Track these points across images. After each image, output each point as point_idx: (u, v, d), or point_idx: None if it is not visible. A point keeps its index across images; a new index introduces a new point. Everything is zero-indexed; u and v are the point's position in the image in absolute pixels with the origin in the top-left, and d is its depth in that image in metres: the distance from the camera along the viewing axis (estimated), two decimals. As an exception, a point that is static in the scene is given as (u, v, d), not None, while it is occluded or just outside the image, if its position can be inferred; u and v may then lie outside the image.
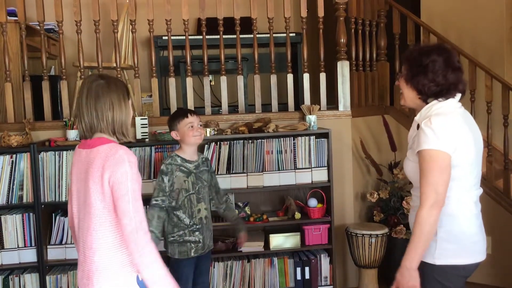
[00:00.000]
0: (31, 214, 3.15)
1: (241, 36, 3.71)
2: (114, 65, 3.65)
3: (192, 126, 2.69)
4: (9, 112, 3.47)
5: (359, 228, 3.54)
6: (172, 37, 3.65)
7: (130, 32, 3.68)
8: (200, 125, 2.75)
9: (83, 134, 1.89)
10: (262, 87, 3.80)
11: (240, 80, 3.74)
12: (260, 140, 3.40)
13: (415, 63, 1.99)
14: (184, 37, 3.65)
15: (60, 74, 3.62)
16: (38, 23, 3.51)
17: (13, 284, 3.17)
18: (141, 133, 3.35)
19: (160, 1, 3.57)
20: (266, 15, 3.67)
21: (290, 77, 3.75)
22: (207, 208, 2.78)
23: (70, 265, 3.24)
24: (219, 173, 3.31)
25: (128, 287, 1.85)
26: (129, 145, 1.90)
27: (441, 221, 1.95)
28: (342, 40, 3.76)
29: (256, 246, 3.41)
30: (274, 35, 3.72)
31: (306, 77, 3.80)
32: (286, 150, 3.42)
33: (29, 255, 3.16)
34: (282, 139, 3.41)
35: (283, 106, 3.87)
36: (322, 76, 3.78)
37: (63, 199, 3.17)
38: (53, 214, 3.22)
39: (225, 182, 3.31)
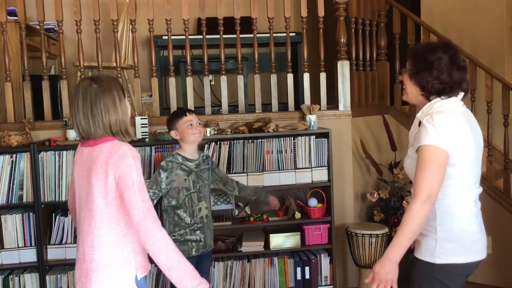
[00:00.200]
0: (31, 214, 3.15)
1: (241, 35, 3.71)
2: (114, 64, 3.65)
3: (191, 124, 2.70)
4: (9, 112, 3.47)
5: (359, 228, 3.54)
6: (172, 37, 3.65)
7: (130, 31, 3.68)
8: (199, 124, 2.76)
9: (81, 137, 1.89)
10: (262, 86, 3.80)
11: (240, 79, 3.74)
12: (260, 140, 3.39)
13: (420, 59, 1.98)
14: (184, 37, 3.65)
15: (60, 73, 3.62)
16: (38, 22, 3.51)
17: (13, 284, 3.17)
18: (141, 132, 3.35)
19: (160, 0, 3.56)
20: (266, 14, 3.67)
21: (290, 77, 3.75)
22: (208, 207, 2.79)
23: (70, 265, 3.24)
24: (219, 173, 3.31)
25: (127, 286, 1.85)
26: (131, 143, 1.91)
27: (441, 220, 1.95)
28: (342, 40, 3.76)
29: (256, 246, 3.41)
30: (274, 34, 3.72)
31: (306, 76, 3.79)
32: (286, 150, 3.41)
33: (29, 255, 3.15)
34: (282, 139, 3.41)
35: (283, 106, 3.87)
36: (322, 76, 3.77)
37: (63, 199, 3.17)
38: (53, 214, 3.22)
39: (225, 181, 3.31)
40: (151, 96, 3.84)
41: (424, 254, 1.98)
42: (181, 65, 4.14)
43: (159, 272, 3.33)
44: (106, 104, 1.84)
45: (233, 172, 3.35)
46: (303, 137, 3.43)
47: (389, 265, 1.89)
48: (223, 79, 3.69)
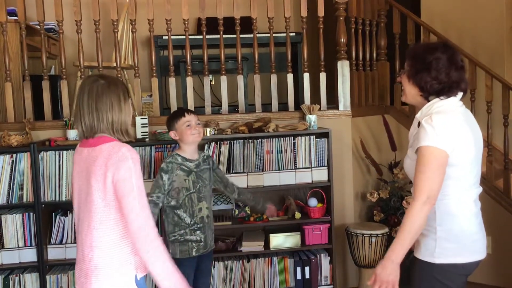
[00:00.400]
0: (31, 213, 3.15)
1: (241, 35, 3.71)
2: (114, 64, 3.65)
3: (189, 125, 2.70)
4: (9, 112, 3.48)
5: (359, 227, 3.54)
6: (172, 37, 3.66)
7: (130, 31, 3.68)
8: (199, 124, 2.75)
9: (83, 134, 1.89)
10: (262, 86, 3.80)
11: (240, 79, 3.74)
12: (260, 139, 3.40)
13: (418, 60, 1.98)
14: (184, 37, 3.65)
15: (60, 73, 3.62)
16: (38, 22, 3.51)
17: (13, 283, 3.17)
18: (141, 132, 3.35)
19: (160, 0, 3.57)
20: (266, 14, 3.67)
21: (290, 77, 3.75)
22: (209, 207, 2.78)
23: (70, 265, 3.24)
24: (219, 172, 3.32)
25: (127, 286, 1.85)
26: (129, 144, 1.91)
27: (441, 220, 1.95)
28: (342, 40, 3.76)
29: (256, 245, 3.41)
30: (274, 34, 3.72)
31: (306, 76, 3.80)
32: (286, 149, 3.42)
33: (29, 255, 3.16)
34: (282, 138, 3.41)
35: (283, 106, 3.87)
36: (322, 76, 3.78)
37: (63, 199, 3.17)
38: (53, 214, 3.22)
39: (225, 181, 3.31)
40: (151, 96, 3.84)
41: (424, 254, 1.98)
42: (181, 65, 4.14)
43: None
44: (112, 101, 1.85)
45: (233, 172, 3.36)
46: (303, 137, 3.43)
47: (391, 266, 1.89)
48: (223, 79, 3.69)
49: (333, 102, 3.85)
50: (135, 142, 3.24)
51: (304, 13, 3.72)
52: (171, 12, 3.58)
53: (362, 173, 3.97)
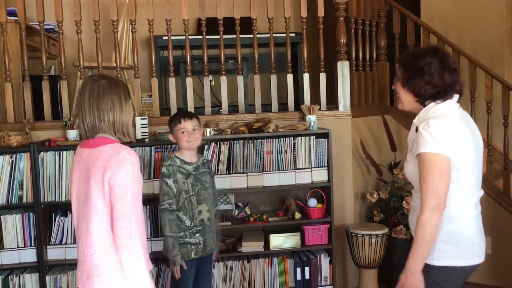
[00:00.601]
0: (31, 214, 3.15)
1: (241, 36, 3.71)
2: (114, 65, 3.65)
3: (184, 132, 2.68)
4: (9, 112, 3.47)
5: (359, 228, 3.54)
6: (172, 37, 3.65)
7: (130, 32, 3.68)
8: (196, 129, 2.72)
9: (84, 134, 1.89)
10: (262, 87, 3.80)
11: (240, 80, 3.74)
12: (260, 140, 3.39)
13: (410, 66, 2.00)
14: (184, 37, 3.65)
15: (60, 74, 3.62)
16: (38, 23, 3.51)
17: (13, 284, 3.17)
18: (141, 133, 3.35)
19: (160, 1, 3.56)
20: (266, 15, 3.67)
21: (290, 77, 3.75)
22: (210, 210, 2.77)
23: (70, 265, 3.24)
24: (219, 173, 3.31)
25: (128, 286, 1.85)
26: (129, 145, 1.91)
27: (441, 222, 1.95)
28: (342, 40, 3.76)
29: (256, 246, 3.41)
30: (274, 35, 3.72)
31: (306, 77, 3.79)
32: (286, 150, 3.41)
33: (29, 255, 3.15)
34: (282, 139, 3.41)
35: (283, 106, 3.87)
36: (322, 76, 3.77)
37: (63, 199, 3.17)
38: (53, 214, 3.22)
39: (225, 182, 3.31)
40: (151, 96, 3.84)
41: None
42: (181, 65, 4.14)
43: (159, 272, 3.33)
44: (113, 100, 1.86)
45: (233, 172, 3.35)
46: (303, 137, 3.43)
47: (412, 276, 1.92)
48: (223, 80, 3.69)
49: (333, 102, 3.85)
50: (135, 143, 3.23)
51: (304, 13, 3.72)
52: (171, 12, 3.58)
53: (362, 173, 3.97)
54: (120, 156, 1.78)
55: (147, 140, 3.35)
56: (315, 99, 3.79)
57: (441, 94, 1.97)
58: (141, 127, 3.36)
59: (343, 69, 3.78)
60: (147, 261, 1.93)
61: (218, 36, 3.68)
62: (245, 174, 3.37)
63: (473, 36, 4.52)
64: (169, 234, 2.63)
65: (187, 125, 2.70)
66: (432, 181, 1.88)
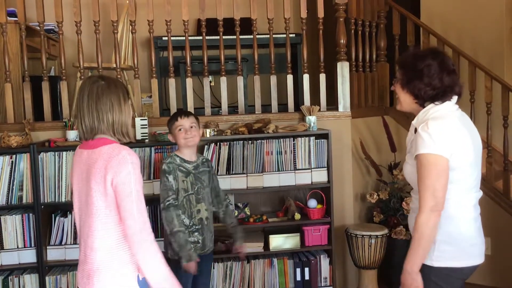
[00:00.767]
0: (30, 214, 3.15)
1: (241, 36, 3.71)
2: (114, 65, 3.66)
3: (181, 129, 2.70)
4: (9, 113, 3.48)
5: (358, 229, 3.54)
6: (172, 38, 3.65)
7: (130, 32, 3.68)
8: (193, 126, 2.73)
9: (83, 135, 1.89)
10: (262, 88, 3.80)
11: (240, 80, 3.74)
12: (260, 140, 3.40)
13: (410, 68, 2.01)
14: (184, 38, 3.65)
15: (60, 74, 3.62)
16: (38, 23, 3.51)
17: (12, 284, 3.16)
18: (141, 133, 3.35)
19: (160, 1, 3.57)
20: (266, 15, 3.67)
21: (290, 78, 3.75)
22: (208, 209, 2.78)
23: (69, 266, 3.24)
24: (218, 173, 3.31)
25: (129, 286, 1.85)
26: (129, 145, 1.91)
27: (440, 223, 1.95)
28: (342, 41, 3.76)
29: (256, 246, 3.41)
30: (274, 36, 3.72)
31: (306, 78, 3.80)
32: (286, 151, 3.42)
33: (29, 256, 3.15)
34: (282, 139, 3.41)
35: (283, 107, 3.87)
36: (322, 77, 3.78)
37: (63, 200, 3.17)
38: (53, 215, 3.22)
39: (225, 182, 3.31)
40: (151, 97, 3.84)
41: (422, 257, 1.99)
42: (181, 66, 4.14)
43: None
44: (112, 101, 1.85)
45: (233, 173, 3.36)
46: (302, 138, 3.43)
47: (409, 276, 1.93)
48: (223, 80, 3.69)
49: (332, 103, 3.85)
50: (134, 143, 3.24)
51: (304, 14, 3.72)
52: (171, 13, 3.58)
53: (362, 174, 3.97)
54: (120, 157, 1.78)
55: (147, 140, 3.35)
56: (315, 100, 3.79)
57: (440, 95, 1.97)
58: (141, 127, 3.36)
59: (343, 70, 3.79)
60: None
61: (218, 37, 3.68)
62: (245, 175, 3.38)
63: (473, 37, 4.52)
64: (179, 229, 2.59)
65: (184, 122, 2.72)
66: (430, 182, 1.88)
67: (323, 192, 3.48)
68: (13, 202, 3.14)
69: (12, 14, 3.74)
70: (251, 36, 3.73)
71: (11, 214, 3.16)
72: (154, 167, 3.26)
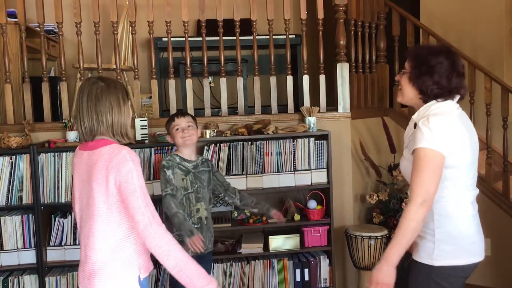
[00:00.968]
0: (30, 215, 3.15)
1: (241, 37, 3.71)
2: (114, 66, 3.66)
3: (178, 129, 2.73)
4: (9, 113, 3.48)
5: (358, 230, 3.54)
6: (172, 39, 3.65)
7: (130, 33, 3.69)
8: (190, 126, 2.75)
9: (82, 136, 1.89)
10: (262, 88, 3.80)
11: (240, 81, 3.75)
12: (259, 141, 3.40)
13: (422, 62, 1.97)
14: (184, 39, 3.65)
15: (59, 75, 3.62)
16: (38, 24, 3.51)
17: (12, 285, 3.16)
18: (141, 134, 3.35)
19: (160, 2, 3.57)
20: (266, 16, 3.68)
21: (289, 79, 3.75)
22: (207, 209, 2.79)
23: (69, 267, 3.24)
24: (218, 174, 3.32)
25: (130, 287, 1.86)
26: (129, 146, 1.91)
27: (439, 222, 1.96)
28: (342, 42, 3.76)
29: (256, 247, 3.41)
30: (273, 36, 3.72)
31: (305, 79, 3.80)
32: (285, 151, 3.42)
33: (29, 257, 3.15)
34: (281, 140, 3.41)
35: (282, 108, 3.87)
36: (322, 78, 3.78)
37: (63, 201, 3.17)
38: (53, 216, 3.22)
39: (225, 183, 3.31)
40: (150, 98, 3.84)
41: (422, 257, 1.99)
42: (181, 67, 4.14)
43: (158, 272, 3.33)
44: (111, 102, 1.86)
45: (233, 174, 3.36)
46: (302, 139, 3.43)
47: (386, 268, 1.90)
48: (223, 81, 3.70)
49: (332, 104, 3.85)
50: (134, 144, 3.24)
51: (303, 15, 3.73)
52: (171, 14, 3.58)
53: (362, 175, 3.97)
54: (120, 156, 1.79)
55: (146, 141, 3.35)
56: (315, 101, 3.79)
57: (445, 95, 1.97)
58: (141, 128, 3.36)
59: (343, 71, 3.79)
60: (149, 262, 1.93)
61: (218, 38, 3.68)
62: (245, 176, 3.38)
63: (472, 38, 4.53)
64: (177, 211, 2.59)
65: (180, 121, 2.75)
66: (425, 176, 1.87)
67: (323, 193, 3.48)
68: (13, 203, 3.14)
69: (12, 15, 3.74)
70: (251, 37, 3.73)
71: (11, 214, 3.16)
72: (154, 167, 3.26)
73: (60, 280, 3.21)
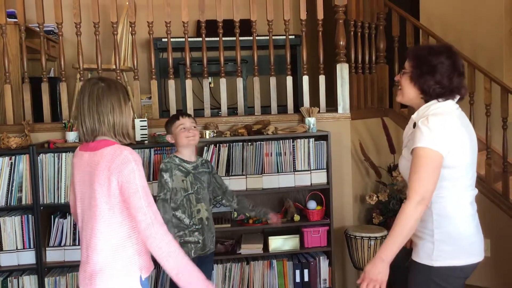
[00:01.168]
0: (30, 216, 3.15)
1: (241, 38, 3.71)
2: (114, 67, 3.66)
3: (183, 128, 2.71)
4: (9, 114, 3.47)
5: (358, 230, 3.54)
6: (172, 39, 3.65)
7: (130, 34, 3.69)
8: (194, 127, 2.76)
9: (83, 137, 1.89)
10: (262, 89, 3.80)
11: (240, 82, 3.75)
12: (259, 142, 3.40)
13: (423, 62, 1.98)
14: (183, 39, 3.65)
15: (59, 76, 3.62)
16: (37, 24, 3.51)
17: (11, 286, 3.16)
18: (141, 135, 3.35)
19: (159, 3, 3.57)
20: (266, 17, 3.68)
21: (289, 80, 3.75)
22: (208, 209, 2.78)
23: (69, 267, 3.24)
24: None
25: (131, 287, 1.86)
26: (129, 146, 1.91)
27: (438, 222, 1.96)
28: (342, 43, 3.76)
29: (255, 248, 3.41)
30: (273, 37, 3.72)
31: (305, 79, 3.80)
32: (285, 152, 3.42)
33: (28, 257, 3.15)
34: (281, 141, 3.41)
35: (282, 108, 3.87)
36: (322, 79, 3.78)
37: (62, 201, 3.17)
38: (52, 216, 3.22)
39: (224, 184, 3.31)
40: (150, 98, 3.84)
41: (422, 257, 1.99)
42: (181, 67, 4.14)
43: (158, 273, 3.33)
44: (112, 103, 1.86)
45: (232, 174, 3.36)
46: (302, 139, 3.43)
47: (380, 265, 1.90)
48: (223, 82, 3.70)
49: (332, 104, 3.85)
50: (134, 145, 3.24)
51: (303, 15, 3.73)
52: (171, 15, 3.58)
53: (361, 175, 3.97)
54: (122, 156, 1.79)
55: (146, 142, 3.35)
56: (315, 101, 3.79)
57: (446, 94, 1.97)
58: (141, 129, 3.36)
59: (343, 71, 3.79)
60: (150, 263, 1.93)
61: (217, 38, 3.68)
62: (244, 176, 3.38)
63: (472, 38, 4.53)
64: (164, 216, 2.50)
65: (185, 121, 2.74)
66: (424, 175, 1.88)
67: (323, 194, 3.48)
68: (12, 203, 3.14)
69: (11, 15, 3.74)
70: (251, 38, 3.73)
71: (10, 215, 3.16)
72: (154, 168, 3.26)
73: (60, 280, 3.21)
